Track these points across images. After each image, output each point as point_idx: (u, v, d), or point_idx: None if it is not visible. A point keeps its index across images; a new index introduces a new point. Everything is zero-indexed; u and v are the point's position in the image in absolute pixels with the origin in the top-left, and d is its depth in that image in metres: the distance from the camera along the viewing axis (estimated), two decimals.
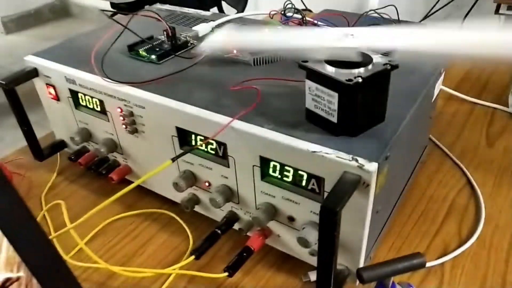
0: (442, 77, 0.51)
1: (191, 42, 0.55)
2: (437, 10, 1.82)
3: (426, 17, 1.88)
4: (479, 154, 0.60)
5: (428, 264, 0.45)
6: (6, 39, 2.78)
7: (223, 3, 2.01)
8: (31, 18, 2.98)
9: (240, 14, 0.65)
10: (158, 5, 0.71)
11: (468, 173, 0.57)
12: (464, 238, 0.48)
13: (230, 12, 1.82)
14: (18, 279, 0.29)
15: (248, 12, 0.65)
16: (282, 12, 0.57)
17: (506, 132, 0.64)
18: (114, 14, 1.72)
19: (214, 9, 1.84)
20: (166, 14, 0.67)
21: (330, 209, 0.32)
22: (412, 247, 0.47)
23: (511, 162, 0.58)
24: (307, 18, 0.58)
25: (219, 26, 0.60)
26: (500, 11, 1.18)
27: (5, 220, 0.26)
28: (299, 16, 0.57)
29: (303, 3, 2.02)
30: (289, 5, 0.57)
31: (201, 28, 0.58)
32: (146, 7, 0.69)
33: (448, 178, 0.57)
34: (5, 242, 0.26)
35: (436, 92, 0.50)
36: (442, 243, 0.48)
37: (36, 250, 0.31)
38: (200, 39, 0.56)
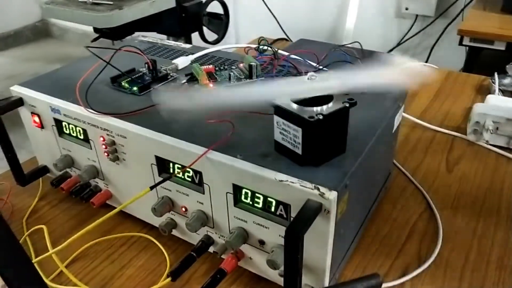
0: (401, 110, 0.55)
1: (171, 74, 0.59)
2: (408, 39, 1.92)
3: (398, 44, 1.97)
4: (439, 179, 0.65)
5: (389, 284, 0.49)
6: None
7: (204, 29, 2.06)
8: (10, 39, 2.98)
9: (217, 47, 0.69)
10: (141, 37, 0.75)
11: (428, 197, 0.61)
12: (423, 259, 0.52)
13: (211, 37, 1.88)
14: None
15: (225, 45, 0.69)
16: (256, 48, 0.61)
17: (464, 158, 0.69)
18: (98, 38, 1.75)
19: (195, 35, 1.89)
20: (148, 46, 0.71)
21: (294, 233, 0.35)
22: (376, 268, 0.51)
23: (468, 186, 0.63)
24: (279, 52, 0.62)
25: (197, 59, 0.64)
26: (464, 42, 1.27)
27: None
28: (272, 51, 0.62)
29: (283, 31, 2.09)
30: (263, 41, 0.62)
31: (181, 61, 0.61)
32: (129, 38, 0.72)
33: (410, 202, 0.61)
34: None
35: (396, 123, 0.55)
36: (403, 264, 0.51)
37: (20, 274, 0.34)
38: (179, 71, 0.60)
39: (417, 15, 1.81)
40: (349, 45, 0.66)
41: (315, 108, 0.39)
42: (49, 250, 0.51)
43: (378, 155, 0.51)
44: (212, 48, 0.68)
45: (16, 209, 0.61)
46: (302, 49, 0.64)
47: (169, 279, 0.45)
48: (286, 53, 0.61)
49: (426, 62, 1.71)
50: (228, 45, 0.69)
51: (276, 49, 0.61)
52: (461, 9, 1.67)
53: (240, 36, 2.37)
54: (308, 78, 0.40)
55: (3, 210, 0.60)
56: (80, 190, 0.58)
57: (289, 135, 0.41)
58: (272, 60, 0.59)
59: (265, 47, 0.61)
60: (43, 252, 0.51)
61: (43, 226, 0.55)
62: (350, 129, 0.42)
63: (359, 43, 0.64)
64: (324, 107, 0.39)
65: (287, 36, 1.90)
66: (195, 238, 0.50)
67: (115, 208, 0.46)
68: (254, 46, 0.64)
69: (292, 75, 0.57)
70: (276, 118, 0.41)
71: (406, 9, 1.81)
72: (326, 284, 0.43)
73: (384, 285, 0.48)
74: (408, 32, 1.86)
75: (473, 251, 0.53)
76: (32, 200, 0.62)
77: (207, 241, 0.49)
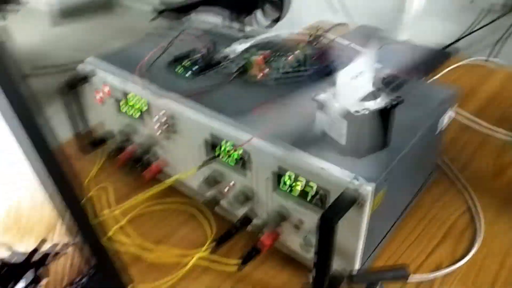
0: (450, 111, 0.55)
1: (225, 60, 0.62)
2: (472, 32, 1.83)
3: (461, 38, 1.89)
4: (487, 181, 0.64)
5: (420, 278, 0.50)
6: (53, 31, 2.93)
7: (261, 10, 2.06)
8: (76, 11, 3.13)
9: (273, 33, 0.71)
10: (201, 21, 0.78)
11: (473, 199, 0.60)
12: (457, 259, 0.52)
13: (267, 18, 1.87)
14: (73, 244, 0.37)
15: (281, 31, 0.70)
16: (309, 38, 0.63)
17: None
18: (162, 11, 1.80)
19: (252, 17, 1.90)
20: (206, 29, 0.74)
21: (328, 220, 0.37)
22: (409, 260, 0.52)
23: None
24: (335, 41, 0.63)
25: (252, 45, 0.66)
26: None
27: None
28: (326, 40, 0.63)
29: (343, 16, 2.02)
30: (320, 29, 0.63)
31: (235, 48, 0.64)
32: (192, 17, 0.76)
33: (452, 202, 0.61)
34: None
35: (443, 124, 0.54)
36: (436, 261, 0.52)
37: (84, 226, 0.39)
38: (233, 57, 0.63)
39: (484, 8, 1.72)
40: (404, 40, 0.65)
41: (362, 103, 0.40)
42: (108, 210, 0.56)
43: (420, 153, 0.51)
44: (268, 34, 0.70)
45: (78, 173, 0.66)
46: (358, 39, 0.64)
47: (211, 246, 0.49)
48: (341, 43, 0.62)
49: (489, 57, 1.63)
50: (283, 31, 0.71)
51: (330, 39, 0.62)
52: None
53: (301, 18, 2.34)
54: (355, 75, 0.41)
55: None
56: (135, 162, 0.63)
57: (335, 126, 0.42)
58: (324, 51, 0.60)
59: (319, 36, 0.63)
60: (102, 210, 0.57)
61: (106, 185, 0.61)
62: (394, 126, 0.43)
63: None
64: (372, 102, 0.41)
65: (347, 22, 1.87)
66: (235, 216, 0.53)
67: (164, 181, 0.50)
68: (309, 33, 0.66)
69: (340, 68, 0.58)
70: (323, 109, 0.43)
71: (471, 1, 1.72)
72: (355, 270, 0.45)
73: (415, 278, 0.49)
74: (472, 25, 1.77)
75: (510, 258, 0.52)
76: (91, 168, 0.67)
77: (247, 220, 0.52)
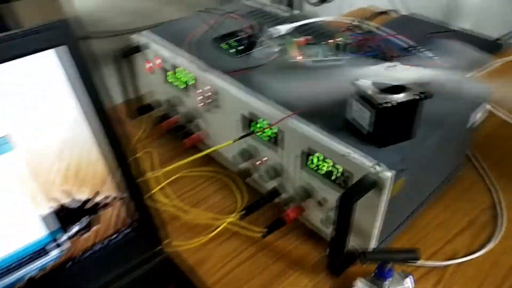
0: (483, 107, 0.56)
1: (266, 41, 0.65)
2: None
3: None
4: None
5: (433, 264, 0.52)
6: None
7: None
8: None
9: (319, 19, 0.73)
10: (247, 1, 0.81)
11: (499, 196, 0.61)
12: (473, 251, 0.54)
13: None
14: (121, 199, 0.42)
15: (324, 17, 0.72)
16: (349, 26, 0.65)
17: None
18: None
19: None
20: (252, 9, 0.77)
21: (346, 198, 0.41)
22: (425, 246, 0.54)
23: None
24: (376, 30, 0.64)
25: (296, 28, 0.69)
26: None
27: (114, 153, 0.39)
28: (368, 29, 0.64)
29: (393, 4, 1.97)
30: (359, 22, 0.65)
31: (278, 30, 0.67)
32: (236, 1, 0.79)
33: (478, 196, 0.62)
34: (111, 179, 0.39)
35: (474, 120, 0.55)
36: (453, 250, 0.54)
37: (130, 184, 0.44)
38: (275, 39, 0.66)
39: None
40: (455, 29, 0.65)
41: (389, 96, 0.43)
42: (151, 172, 0.62)
43: (447, 145, 0.53)
44: (311, 20, 0.72)
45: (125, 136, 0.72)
46: (404, 28, 0.66)
47: (241, 213, 0.54)
48: (383, 31, 0.64)
49: None
50: (326, 17, 0.73)
51: (371, 28, 0.63)
52: None
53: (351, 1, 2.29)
54: (388, 67, 0.43)
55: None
56: (177, 129, 0.68)
57: (362, 114, 0.45)
58: (364, 39, 0.62)
59: (362, 23, 0.64)
60: (145, 172, 0.62)
61: (150, 150, 0.66)
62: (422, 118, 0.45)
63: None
64: (399, 95, 0.43)
65: (397, 9, 1.82)
66: (265, 188, 0.57)
67: (202, 151, 0.55)
68: (353, 19, 0.67)
69: (379, 58, 0.59)
70: (354, 97, 0.46)
71: None
72: (371, 249, 0.48)
73: (428, 263, 0.52)
74: None
75: None
76: (137, 131, 0.73)
77: (275, 193, 0.56)
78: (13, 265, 0.40)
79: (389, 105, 0.41)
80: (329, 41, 0.63)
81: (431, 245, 0.55)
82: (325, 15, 0.73)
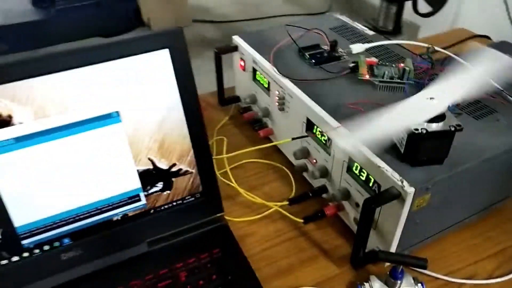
0: None
1: (343, 57, 0.74)
2: None
3: None
4: None
5: (449, 279, 0.58)
6: None
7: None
8: None
9: (395, 42, 0.79)
10: (338, 15, 0.89)
11: None
12: (494, 277, 0.59)
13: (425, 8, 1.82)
14: (192, 172, 0.55)
15: (403, 40, 0.79)
16: (420, 53, 0.71)
17: None
18: None
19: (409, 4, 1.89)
20: (339, 24, 0.85)
21: (368, 203, 0.49)
22: (446, 264, 0.60)
23: None
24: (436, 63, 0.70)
25: (375, 47, 0.76)
26: None
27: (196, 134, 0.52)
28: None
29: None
30: (431, 49, 0.70)
31: (356, 47, 0.75)
32: (327, 14, 0.88)
33: None
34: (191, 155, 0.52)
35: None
36: (473, 272, 0.60)
37: (204, 164, 0.57)
38: (352, 56, 0.74)
39: None
40: None
41: (425, 124, 0.50)
42: (224, 155, 0.75)
43: (488, 174, 0.58)
44: (387, 42, 0.79)
45: (212, 119, 0.87)
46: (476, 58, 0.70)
47: (287, 202, 0.65)
48: (455, 59, 0.69)
49: None
50: (402, 40, 0.79)
51: (444, 55, 0.69)
52: None
53: (461, 14, 2.22)
54: (427, 98, 0.50)
55: (205, 118, 0.86)
56: (254, 121, 0.80)
57: (400, 136, 0.53)
58: (426, 68, 0.68)
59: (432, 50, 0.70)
60: (220, 154, 0.76)
61: (224, 137, 0.80)
62: (460, 146, 0.52)
63: None
64: (433, 124, 0.50)
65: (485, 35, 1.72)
66: (315, 184, 0.67)
67: (272, 142, 0.66)
68: (427, 45, 0.73)
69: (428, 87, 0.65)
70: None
71: None
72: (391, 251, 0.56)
73: (445, 277, 0.58)
74: None
75: None
76: (223, 117, 0.87)
77: (322, 189, 0.66)
78: (114, 204, 0.56)
79: (423, 131, 0.49)
80: (400, 65, 0.70)
81: (454, 263, 0.61)
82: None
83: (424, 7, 1.83)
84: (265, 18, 2.93)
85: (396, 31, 2.25)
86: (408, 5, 1.86)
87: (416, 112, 0.51)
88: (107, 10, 2.69)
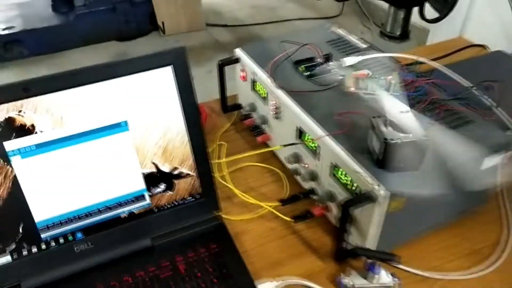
0: (497, 155, 0.64)
1: (335, 69, 0.79)
2: None
3: None
4: None
5: (425, 274, 0.64)
6: None
7: (427, 5, 2.05)
8: None
9: (389, 54, 0.84)
10: (333, 29, 0.95)
11: (510, 235, 0.69)
12: (467, 273, 0.64)
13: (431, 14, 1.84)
14: (194, 175, 0.62)
15: (392, 53, 0.84)
16: (406, 66, 0.76)
17: None
18: None
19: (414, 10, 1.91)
20: (335, 37, 0.91)
21: (346, 205, 0.55)
22: (423, 261, 0.65)
23: None
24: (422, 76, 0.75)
25: (364, 61, 0.82)
26: None
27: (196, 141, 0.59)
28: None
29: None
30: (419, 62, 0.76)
31: (348, 60, 0.80)
32: (325, 27, 0.94)
33: (491, 233, 0.70)
34: (191, 159, 0.59)
35: (488, 164, 0.64)
36: (449, 269, 0.65)
37: (203, 165, 0.63)
38: (343, 68, 0.80)
39: None
40: None
41: (399, 134, 0.56)
42: (223, 159, 0.82)
43: (457, 182, 0.63)
44: (377, 54, 0.84)
45: (216, 125, 0.93)
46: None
47: (284, 201, 0.71)
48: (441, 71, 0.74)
49: None
50: (392, 53, 0.84)
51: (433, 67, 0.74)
52: None
53: (469, 21, 2.22)
54: (401, 111, 0.56)
55: (208, 123, 0.93)
56: (254, 128, 0.87)
57: (377, 144, 0.58)
58: (411, 81, 0.73)
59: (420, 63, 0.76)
60: (221, 158, 0.82)
61: (224, 143, 0.86)
62: (435, 154, 0.57)
63: None
64: (407, 135, 0.56)
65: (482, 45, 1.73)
66: (306, 186, 0.73)
67: (270, 147, 0.72)
68: (417, 57, 0.78)
69: (425, 98, 0.70)
70: (372, 130, 0.59)
71: None
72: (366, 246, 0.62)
73: (422, 273, 0.63)
74: None
75: None
76: (226, 123, 0.93)
77: (311, 191, 0.72)
78: (121, 203, 0.63)
79: (397, 141, 0.54)
80: (388, 77, 0.75)
81: (432, 261, 0.66)
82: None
83: (431, 13, 1.85)
84: (279, 22, 3.01)
85: (403, 36, 2.28)
86: (417, 10, 1.88)
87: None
88: (123, 15, 2.79)
